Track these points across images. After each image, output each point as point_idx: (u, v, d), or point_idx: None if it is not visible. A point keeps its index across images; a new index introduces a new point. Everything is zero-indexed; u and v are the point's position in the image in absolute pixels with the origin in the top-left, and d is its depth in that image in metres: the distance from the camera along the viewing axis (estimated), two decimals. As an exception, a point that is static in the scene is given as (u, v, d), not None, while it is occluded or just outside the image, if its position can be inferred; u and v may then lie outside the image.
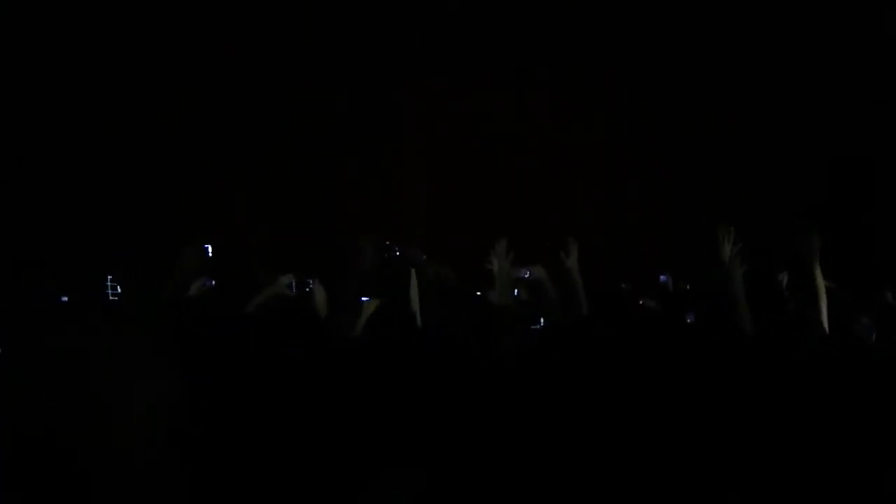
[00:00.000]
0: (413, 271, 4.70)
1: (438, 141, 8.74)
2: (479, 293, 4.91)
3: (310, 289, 4.87)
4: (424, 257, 4.80)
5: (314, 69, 8.53)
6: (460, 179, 8.61)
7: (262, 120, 8.36)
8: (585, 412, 4.15)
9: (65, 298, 4.05)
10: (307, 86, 8.49)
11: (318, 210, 8.31)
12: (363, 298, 4.67)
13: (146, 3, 8.18)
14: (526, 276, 4.84)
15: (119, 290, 4.89)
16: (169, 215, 7.60)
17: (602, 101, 8.97)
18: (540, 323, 4.72)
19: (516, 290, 4.96)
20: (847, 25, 8.93)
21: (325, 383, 4.31)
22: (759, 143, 8.90)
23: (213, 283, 4.90)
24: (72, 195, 7.70)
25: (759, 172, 8.82)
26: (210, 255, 4.73)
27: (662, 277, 5.61)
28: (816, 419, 4.07)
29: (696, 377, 4.18)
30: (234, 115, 8.26)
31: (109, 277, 4.87)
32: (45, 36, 7.97)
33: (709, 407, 4.10)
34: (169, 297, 4.60)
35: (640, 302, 4.76)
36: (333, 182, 8.49)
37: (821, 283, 4.87)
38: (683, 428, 4.07)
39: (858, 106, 8.84)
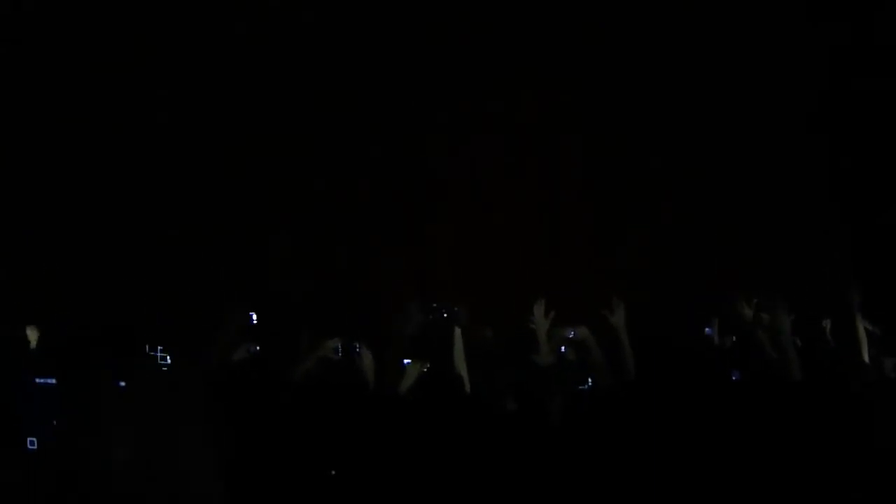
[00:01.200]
0: (458, 332, 4.70)
1: (479, 200, 8.74)
2: (523, 355, 4.91)
3: (357, 352, 4.89)
4: (466, 317, 4.80)
5: (352, 129, 8.54)
6: (502, 239, 8.60)
7: (303, 185, 8.37)
8: (634, 475, 4.15)
9: (122, 384, 4.06)
10: (347, 148, 8.50)
11: (359, 272, 8.31)
12: (405, 361, 4.68)
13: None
14: (571, 335, 4.83)
15: (169, 359, 4.90)
16: (212, 281, 7.60)
17: (638, 154, 8.95)
18: (588, 383, 4.70)
19: (563, 348, 4.95)
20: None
21: (374, 449, 4.32)
22: (806, 191, 8.89)
23: (258, 348, 4.91)
24: (112, 264, 7.73)
25: (805, 220, 8.80)
26: (254, 321, 4.73)
27: (708, 330, 5.59)
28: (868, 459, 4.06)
29: (746, 436, 4.17)
30: (275, 181, 8.28)
31: (160, 348, 4.89)
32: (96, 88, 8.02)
33: (759, 465, 4.09)
34: (212, 364, 4.60)
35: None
36: (374, 244, 8.49)
37: (862, 329, 4.88)
38: (731, 483, 4.07)
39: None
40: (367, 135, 8.56)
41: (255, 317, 4.69)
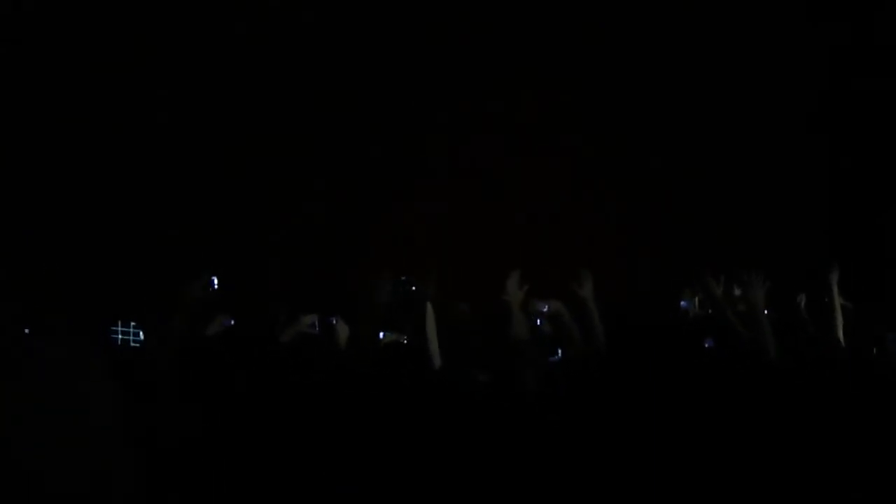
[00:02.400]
0: (429, 307, 4.70)
1: (455, 174, 8.76)
2: (496, 328, 4.90)
3: (334, 327, 4.91)
4: (434, 290, 4.80)
5: (330, 110, 8.59)
6: (478, 214, 8.62)
7: (281, 162, 8.40)
8: (604, 444, 4.14)
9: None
10: (325, 127, 8.54)
11: (335, 247, 8.33)
12: (381, 334, 4.68)
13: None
14: (545, 309, 4.84)
15: (142, 336, 4.91)
16: (187, 256, 7.59)
17: (615, 131, 8.97)
18: (558, 354, 4.70)
19: (539, 322, 4.96)
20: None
21: (347, 423, 4.32)
22: (782, 163, 8.89)
23: (232, 322, 4.93)
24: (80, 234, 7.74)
25: (781, 193, 8.80)
26: (216, 287, 4.69)
27: (684, 303, 5.57)
28: (841, 439, 4.03)
29: (717, 404, 4.15)
30: (255, 157, 8.31)
31: (132, 324, 4.89)
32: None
33: (731, 433, 4.07)
34: (180, 335, 4.59)
35: None
36: (350, 218, 8.51)
37: (838, 304, 4.85)
38: (705, 454, 4.04)
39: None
40: (344, 114, 8.59)
41: (216, 282, 4.64)
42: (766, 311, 4.49)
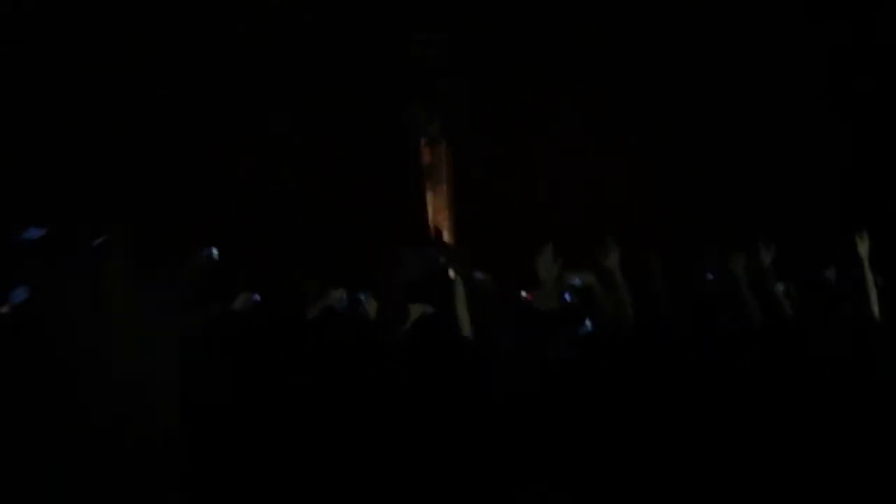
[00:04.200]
0: (458, 279, 4.69)
1: (483, 148, 8.76)
2: (524, 299, 4.89)
3: (362, 302, 4.90)
4: (462, 261, 4.79)
5: (356, 83, 8.59)
6: (506, 184, 8.62)
7: (305, 135, 8.39)
8: (629, 415, 4.13)
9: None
10: (350, 100, 8.54)
11: (362, 220, 8.31)
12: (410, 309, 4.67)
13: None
14: (576, 282, 4.83)
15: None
16: (209, 232, 7.54)
17: (643, 102, 9.02)
18: (585, 325, 4.67)
19: (567, 296, 4.94)
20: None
21: (377, 396, 4.31)
22: (808, 136, 8.96)
23: (258, 297, 4.92)
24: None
25: (810, 167, 8.86)
26: (216, 258, 4.62)
27: (709, 276, 5.53)
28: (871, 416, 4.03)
29: (737, 384, 4.15)
30: (279, 134, 8.31)
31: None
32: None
33: (748, 413, 4.07)
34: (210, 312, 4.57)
35: None
36: (376, 190, 8.49)
37: (870, 279, 4.85)
38: (724, 433, 4.04)
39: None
40: (369, 89, 8.58)
41: (216, 253, 4.57)
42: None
